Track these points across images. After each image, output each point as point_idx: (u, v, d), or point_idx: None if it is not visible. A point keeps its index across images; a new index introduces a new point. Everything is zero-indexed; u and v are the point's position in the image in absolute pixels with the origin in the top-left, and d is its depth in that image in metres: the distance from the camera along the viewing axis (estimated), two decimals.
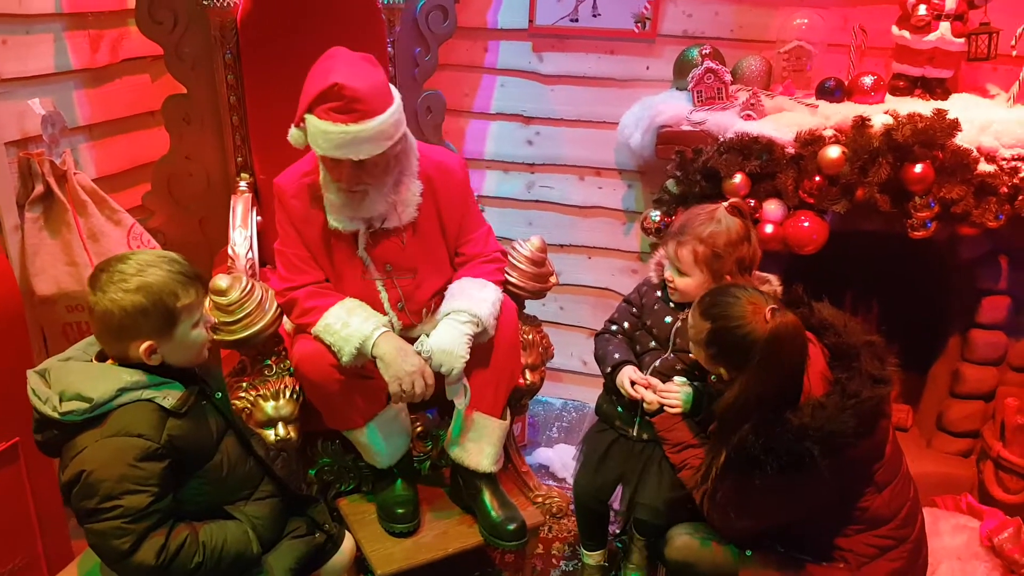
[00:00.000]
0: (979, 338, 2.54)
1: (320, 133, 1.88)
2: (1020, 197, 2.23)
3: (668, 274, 1.99)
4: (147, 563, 1.43)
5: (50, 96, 2.34)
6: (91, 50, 2.49)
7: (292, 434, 2.07)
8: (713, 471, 1.76)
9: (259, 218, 2.46)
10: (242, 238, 2.35)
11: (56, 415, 1.45)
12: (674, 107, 2.56)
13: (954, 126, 2.21)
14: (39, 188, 2.25)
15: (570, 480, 2.74)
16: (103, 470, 1.41)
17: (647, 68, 2.80)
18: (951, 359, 2.64)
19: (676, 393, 1.94)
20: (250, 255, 2.33)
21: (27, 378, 1.52)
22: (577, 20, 2.78)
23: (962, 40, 2.38)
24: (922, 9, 2.37)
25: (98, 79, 2.54)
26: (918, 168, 2.23)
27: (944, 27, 2.37)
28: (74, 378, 1.47)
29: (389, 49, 2.56)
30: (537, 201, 3.05)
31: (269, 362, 2.13)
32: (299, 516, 1.76)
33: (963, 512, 2.41)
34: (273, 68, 2.42)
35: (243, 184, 2.50)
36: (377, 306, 2.09)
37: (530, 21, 2.81)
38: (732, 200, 1.96)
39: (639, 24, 2.74)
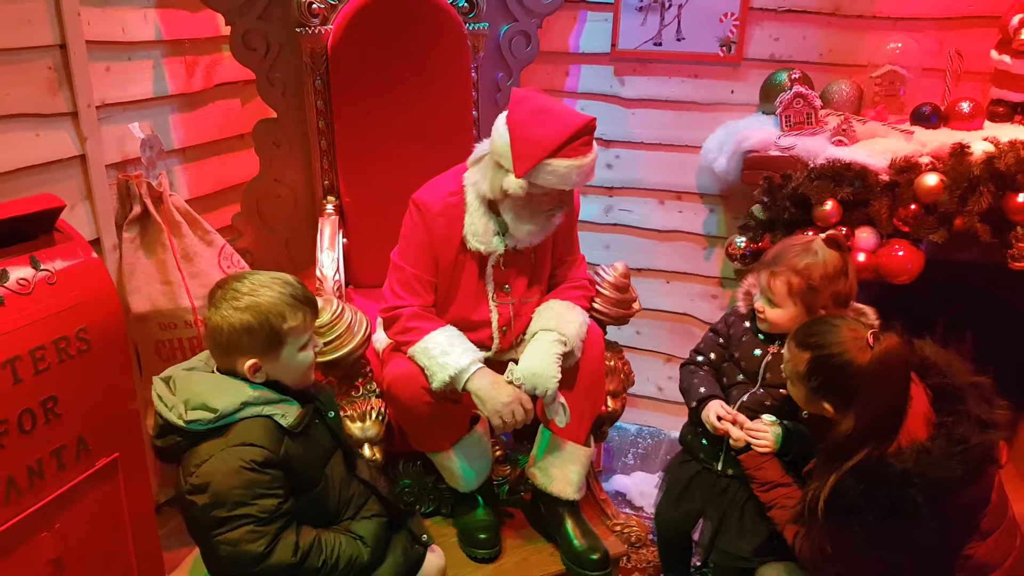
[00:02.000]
0: None
1: (572, 170, 1.89)
2: None
3: (759, 304, 1.94)
4: (285, 561, 1.49)
5: (148, 120, 2.42)
6: (187, 75, 2.58)
7: (377, 455, 2.09)
8: (809, 510, 1.70)
9: (345, 240, 2.50)
10: (330, 260, 2.39)
11: (181, 422, 1.51)
12: (761, 132, 2.52)
13: None
14: (137, 209, 2.32)
15: (648, 509, 2.72)
16: (231, 478, 1.46)
17: (731, 92, 2.77)
18: None
19: (766, 432, 1.89)
20: (337, 276, 2.36)
21: (152, 385, 1.58)
22: (661, 44, 2.76)
23: None
24: None
25: (192, 103, 2.62)
26: (1021, 197, 2.15)
27: None
28: (200, 388, 1.54)
29: (473, 75, 2.59)
30: (615, 224, 3.03)
31: (356, 383, 2.16)
32: (399, 530, 1.78)
33: None
34: (361, 93, 2.46)
35: (330, 207, 2.55)
36: (485, 327, 2.12)
37: (612, 45, 2.81)
38: (830, 232, 1.91)
39: (724, 48, 2.72)
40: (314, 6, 2.37)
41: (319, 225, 2.49)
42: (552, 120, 1.91)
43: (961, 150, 2.23)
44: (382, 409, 2.11)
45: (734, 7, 2.66)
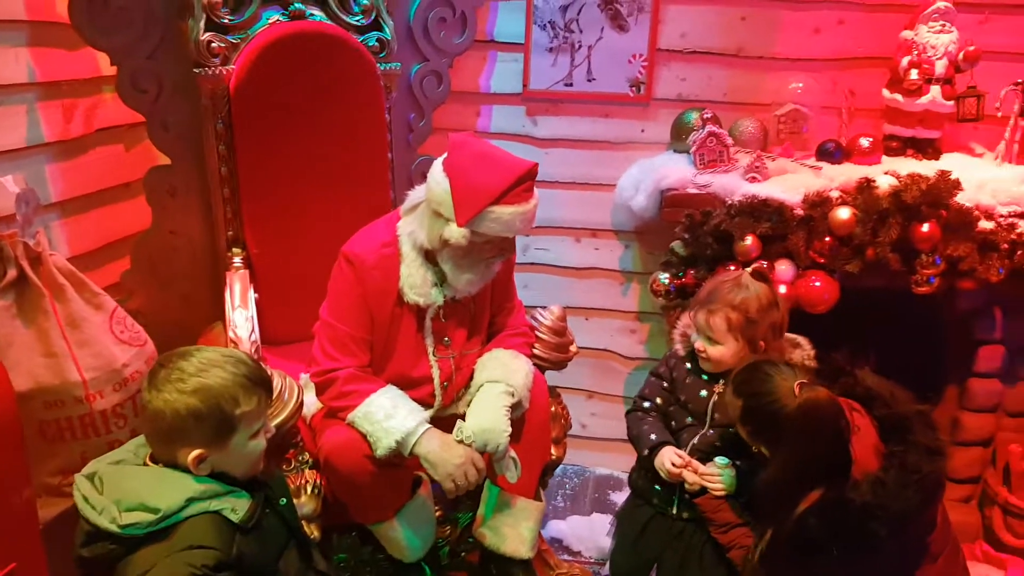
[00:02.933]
0: (977, 387, 2.61)
1: (516, 217, 1.84)
2: (1019, 252, 2.31)
3: (699, 344, 1.93)
4: None
5: (21, 172, 2.13)
6: (64, 121, 2.31)
7: (315, 533, 1.92)
8: (759, 551, 1.71)
9: (256, 295, 2.31)
10: (243, 319, 2.19)
11: (115, 527, 1.30)
12: (678, 170, 2.56)
13: (956, 186, 2.28)
14: (12, 273, 2.03)
15: (586, 554, 2.67)
16: None
17: (642, 131, 2.81)
18: (950, 408, 2.70)
19: (718, 475, 1.88)
20: (254, 337, 2.17)
21: (74, 484, 1.36)
22: (572, 84, 2.76)
23: (951, 102, 2.48)
24: (914, 74, 2.45)
25: (71, 151, 2.35)
26: (925, 227, 2.29)
27: (935, 90, 2.46)
28: (136, 485, 1.34)
29: (387, 115, 2.48)
30: (533, 263, 2.99)
31: (287, 456, 1.98)
32: None
33: (979, 560, 2.44)
34: (268, 137, 2.30)
35: (237, 260, 2.35)
36: (426, 384, 2.01)
37: (524, 86, 2.78)
38: (755, 266, 1.96)
39: (634, 88, 2.75)
40: (214, 45, 2.19)
41: (227, 280, 2.29)
42: (494, 166, 1.84)
43: (867, 184, 2.35)
44: (317, 482, 1.95)
45: (642, 48, 2.70)
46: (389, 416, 1.87)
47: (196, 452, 1.36)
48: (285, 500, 1.52)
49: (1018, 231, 2.33)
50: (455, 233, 1.84)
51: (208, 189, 2.37)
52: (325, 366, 1.94)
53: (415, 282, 1.94)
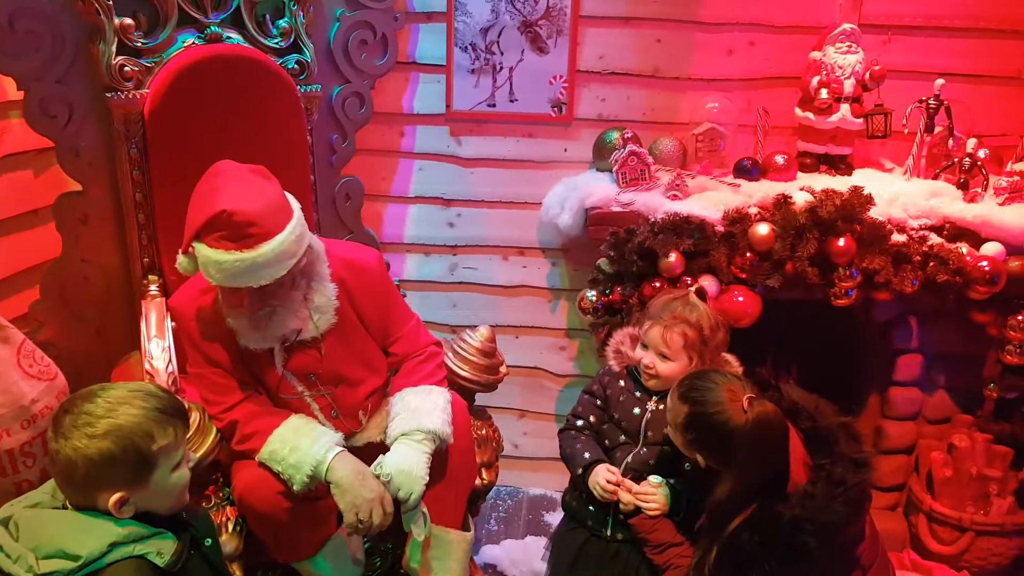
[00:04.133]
0: (897, 395, 2.69)
1: (212, 263, 1.71)
2: (931, 264, 2.40)
3: (648, 359, 1.93)
4: None
5: None
6: None
7: (238, 573, 1.86)
8: (706, 568, 1.72)
9: (173, 324, 2.24)
10: (159, 350, 2.11)
11: None
12: (601, 188, 2.59)
13: (869, 200, 2.36)
14: None
15: None
16: None
17: (565, 150, 2.84)
18: (872, 416, 2.77)
19: (654, 494, 1.89)
20: (171, 368, 2.09)
21: None
22: (495, 105, 2.77)
23: (861, 120, 2.57)
24: (823, 93, 2.54)
25: None
26: (841, 242, 2.36)
27: (844, 108, 2.55)
28: (54, 531, 1.27)
29: (308, 138, 2.45)
30: (461, 283, 2.98)
31: (206, 492, 1.91)
32: None
33: (908, 568, 2.50)
34: (186, 162, 2.21)
35: (153, 287, 2.27)
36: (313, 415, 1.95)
37: (447, 106, 2.78)
38: (697, 285, 1.99)
39: (555, 109, 2.78)
40: (126, 69, 2.12)
41: (142, 309, 2.20)
42: (200, 200, 1.76)
43: (784, 200, 2.41)
44: (239, 519, 1.88)
45: (562, 70, 2.73)
46: (294, 449, 1.80)
47: (116, 495, 1.30)
48: (211, 541, 1.47)
49: (929, 243, 2.42)
50: (180, 262, 1.81)
51: (122, 215, 2.29)
52: (215, 411, 1.90)
53: (240, 328, 1.85)
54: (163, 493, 1.36)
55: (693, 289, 1.95)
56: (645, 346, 1.94)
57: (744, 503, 1.66)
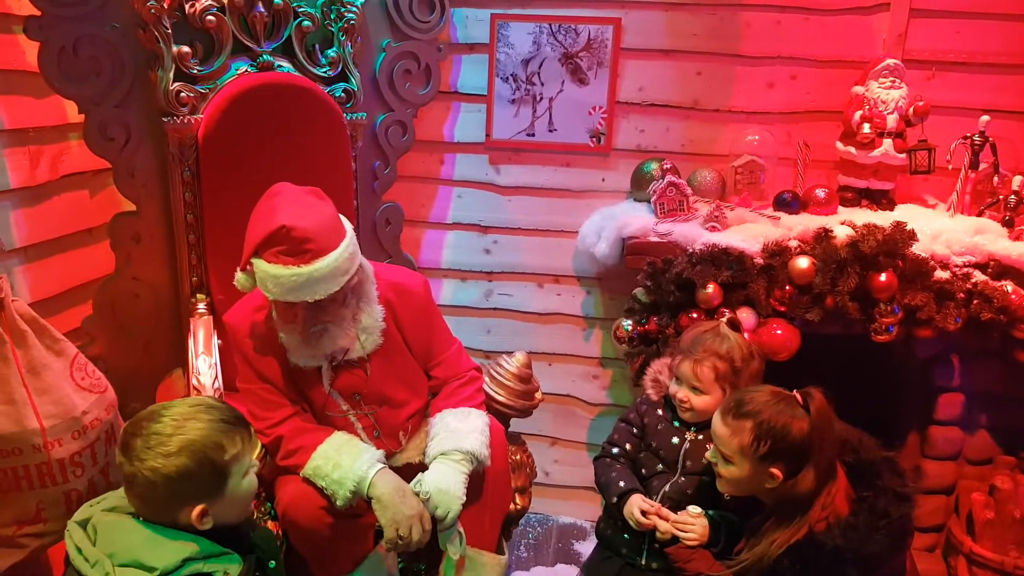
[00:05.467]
0: (938, 434, 2.64)
1: (270, 278, 1.78)
2: (975, 301, 2.36)
3: (683, 394, 1.95)
4: None
5: None
6: (31, 167, 2.31)
7: None
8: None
9: (220, 341, 2.30)
10: (206, 366, 2.18)
11: None
12: (639, 218, 2.60)
13: (912, 236, 2.34)
14: None
15: None
16: None
17: (603, 180, 2.86)
18: (911, 455, 2.72)
19: (693, 524, 1.87)
20: (217, 384, 2.15)
21: (67, 530, 1.34)
22: (534, 135, 2.82)
23: (903, 155, 2.56)
24: (866, 127, 2.53)
25: (36, 197, 2.35)
26: (883, 277, 2.34)
27: (887, 143, 2.54)
28: (131, 540, 1.31)
29: (353, 164, 2.51)
30: (496, 309, 3.01)
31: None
32: None
33: None
34: (235, 185, 2.31)
35: (202, 306, 2.34)
36: (358, 434, 1.99)
37: (487, 135, 2.83)
38: (729, 316, 1.99)
39: (594, 139, 2.81)
40: (182, 95, 2.21)
41: (191, 326, 2.28)
42: (260, 217, 1.83)
43: (825, 234, 2.40)
44: (280, 534, 1.91)
45: (602, 101, 2.77)
46: (337, 466, 1.85)
47: (199, 508, 1.35)
48: (274, 563, 1.50)
49: (973, 281, 2.39)
50: (238, 278, 1.87)
51: (173, 235, 2.37)
52: (262, 426, 1.93)
53: (292, 345, 1.91)
54: (236, 501, 1.41)
55: (724, 320, 1.95)
56: (679, 380, 1.94)
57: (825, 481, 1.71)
